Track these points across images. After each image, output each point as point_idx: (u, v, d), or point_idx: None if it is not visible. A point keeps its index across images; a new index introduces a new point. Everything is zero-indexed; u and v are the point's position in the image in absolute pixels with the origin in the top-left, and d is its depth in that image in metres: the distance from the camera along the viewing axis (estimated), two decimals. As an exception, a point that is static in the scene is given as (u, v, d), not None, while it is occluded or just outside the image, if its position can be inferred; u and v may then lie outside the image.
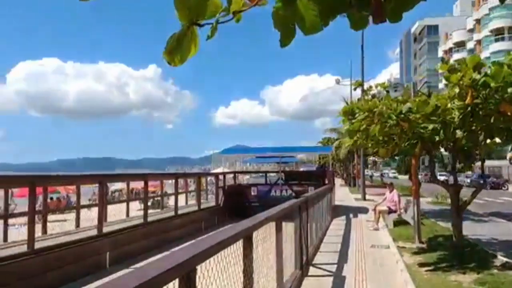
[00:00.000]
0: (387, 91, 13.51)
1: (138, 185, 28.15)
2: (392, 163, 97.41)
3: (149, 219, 10.97)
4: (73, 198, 32.26)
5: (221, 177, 17.01)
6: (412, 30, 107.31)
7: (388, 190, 14.42)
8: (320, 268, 7.98)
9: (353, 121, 7.93)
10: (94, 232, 8.82)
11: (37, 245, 7.17)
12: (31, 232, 6.98)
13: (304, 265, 7.37)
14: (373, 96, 14.72)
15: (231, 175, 18.99)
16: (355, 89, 14.40)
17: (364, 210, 18.49)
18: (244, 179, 36.18)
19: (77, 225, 11.06)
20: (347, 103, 33.66)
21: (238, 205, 17.41)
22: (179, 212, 12.80)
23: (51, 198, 27.53)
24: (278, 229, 5.48)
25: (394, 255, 9.18)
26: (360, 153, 31.78)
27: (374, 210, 13.93)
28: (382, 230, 12.85)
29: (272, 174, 22.28)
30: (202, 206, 14.54)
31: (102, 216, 8.90)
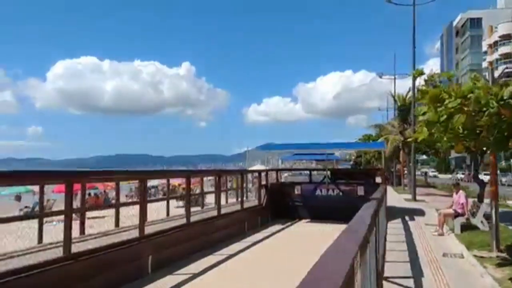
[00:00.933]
0: (450, 80, 12.21)
1: (174, 181, 27.60)
2: (431, 162, 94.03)
3: (192, 219, 10.10)
4: (111, 194, 32.22)
5: (263, 175, 16.02)
6: (454, 23, 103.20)
7: (454, 191, 13.03)
8: (394, 283, 6.84)
9: (440, 109, 6.73)
10: (135, 233, 7.99)
11: (74, 249, 6.37)
12: (67, 236, 6.17)
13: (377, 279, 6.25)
14: (435, 86, 13.37)
15: (273, 173, 17.98)
16: (415, 78, 13.06)
17: (420, 212, 17.04)
18: (282, 177, 35.20)
19: (117, 224, 10.32)
20: (394, 98, 32.07)
21: (281, 204, 16.39)
22: (222, 211, 11.90)
23: (89, 194, 27.32)
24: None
25: (475, 266, 7.93)
26: (409, 150, 30.20)
27: (440, 213, 12.55)
28: (448, 236, 11.53)
29: (314, 172, 21.16)
30: (244, 206, 13.58)
31: (143, 217, 8.05)
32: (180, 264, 8.46)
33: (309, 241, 12.38)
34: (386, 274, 7.27)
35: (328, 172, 17.32)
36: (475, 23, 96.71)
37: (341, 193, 16.14)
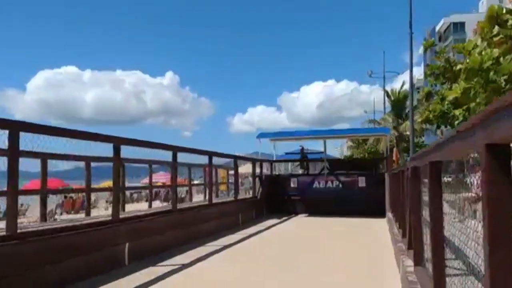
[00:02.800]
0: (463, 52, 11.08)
1: (158, 180, 25.89)
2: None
3: (179, 207, 8.64)
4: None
5: (257, 164, 14.59)
6: (437, 28, 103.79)
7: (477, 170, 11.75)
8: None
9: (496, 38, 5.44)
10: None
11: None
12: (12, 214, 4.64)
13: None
14: (447, 60, 12.18)
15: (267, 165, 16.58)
16: (425, 50, 12.00)
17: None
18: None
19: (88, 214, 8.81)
20: (386, 93, 30.99)
21: (276, 198, 14.98)
22: (214, 201, 10.46)
23: (65, 197, 25.54)
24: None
25: None
26: (404, 147, 29.14)
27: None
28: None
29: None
30: (239, 197, 12.15)
31: (117, 197, 6.56)
32: (164, 255, 6.99)
33: (306, 236, 11.02)
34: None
35: (327, 163, 15.99)
36: (458, 27, 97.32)
37: (340, 185, 14.81)
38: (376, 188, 13.78)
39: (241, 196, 14.65)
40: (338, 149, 53.75)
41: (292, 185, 15.35)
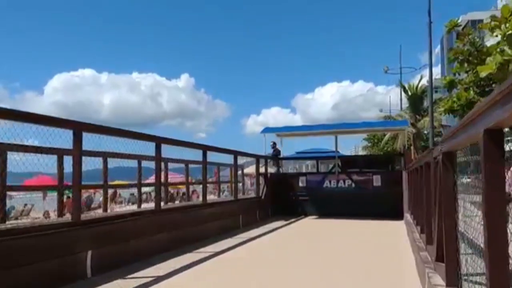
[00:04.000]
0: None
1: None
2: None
3: (166, 207, 7.54)
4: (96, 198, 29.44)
5: (262, 162, 13.43)
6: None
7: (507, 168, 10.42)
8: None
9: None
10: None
11: None
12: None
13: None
14: (473, 43, 10.87)
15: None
16: (448, 31, 10.79)
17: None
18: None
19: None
20: (404, 88, 29.54)
21: (283, 198, 13.81)
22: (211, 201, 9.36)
23: (68, 197, 24.61)
24: None
25: None
26: (422, 145, 27.64)
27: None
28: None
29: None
30: (239, 196, 10.99)
31: (77, 195, 5.46)
32: (139, 265, 5.87)
33: (316, 236, 9.90)
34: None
35: (338, 161, 14.74)
36: (476, 25, 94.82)
37: (353, 184, 13.58)
38: (393, 187, 12.55)
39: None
40: (352, 150, 52.05)
41: (300, 184, 14.16)
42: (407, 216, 10.50)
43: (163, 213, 7.10)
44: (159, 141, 7.25)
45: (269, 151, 14.42)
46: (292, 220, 12.67)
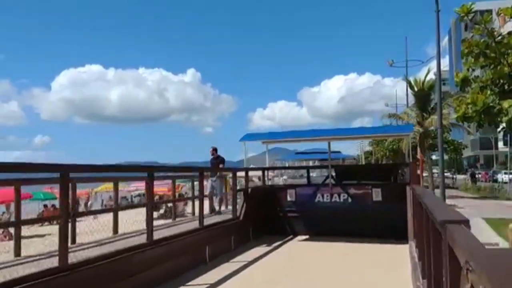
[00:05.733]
0: None
1: (159, 188, 22.88)
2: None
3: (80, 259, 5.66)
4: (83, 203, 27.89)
5: (239, 175, 11.51)
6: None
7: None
8: None
9: None
10: None
11: None
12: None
13: None
14: (491, 33, 8.91)
15: (257, 174, 13.44)
16: (461, 19, 8.92)
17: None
18: (281, 180, 30.50)
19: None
20: (409, 83, 27.39)
21: (268, 216, 11.91)
22: (159, 235, 7.47)
23: (45, 206, 23.06)
24: None
25: None
26: (429, 144, 25.59)
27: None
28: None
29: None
30: (207, 222, 9.05)
31: None
32: None
33: (307, 271, 8.13)
34: None
35: (332, 170, 12.77)
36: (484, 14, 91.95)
37: (349, 199, 11.65)
38: (396, 202, 10.64)
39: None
40: (358, 147, 49.84)
41: (289, 198, 12.23)
42: (412, 245, 8.60)
43: (71, 274, 5.20)
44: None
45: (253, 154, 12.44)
46: (278, 243, 10.78)
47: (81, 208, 28.26)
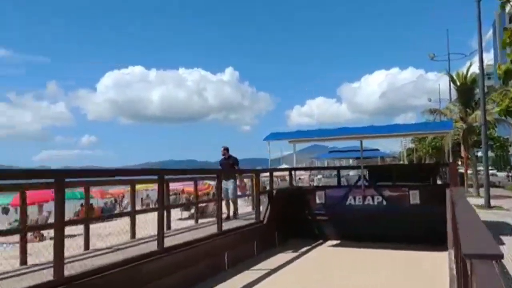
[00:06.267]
0: None
1: (176, 186, 22.66)
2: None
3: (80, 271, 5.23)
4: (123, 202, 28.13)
5: (263, 176, 10.89)
6: (507, 9, 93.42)
7: None
8: None
9: None
10: None
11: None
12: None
13: None
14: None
15: (284, 174, 12.77)
16: (502, 6, 8.00)
17: (508, 229, 11.18)
18: (315, 180, 29.61)
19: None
20: (451, 77, 25.92)
21: (295, 219, 11.26)
22: (172, 241, 6.98)
23: (81, 205, 23.25)
24: None
25: None
26: (473, 141, 24.05)
27: None
28: None
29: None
30: (226, 227, 8.51)
31: None
32: None
33: (335, 282, 7.46)
34: None
35: (365, 171, 11.94)
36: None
37: (384, 202, 10.84)
38: (435, 205, 9.80)
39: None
40: (400, 144, 47.91)
41: (318, 200, 11.51)
42: (451, 253, 7.75)
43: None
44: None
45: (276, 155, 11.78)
46: (305, 249, 10.12)
47: (118, 207, 28.64)
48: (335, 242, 10.99)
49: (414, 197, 10.55)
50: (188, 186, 20.53)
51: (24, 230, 6.27)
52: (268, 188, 12.04)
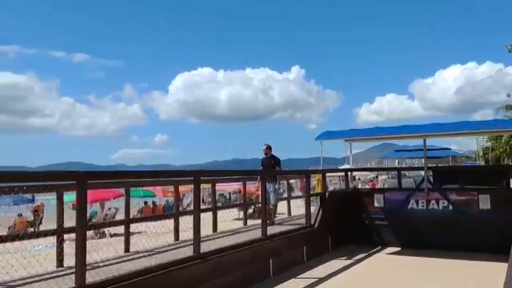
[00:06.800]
0: None
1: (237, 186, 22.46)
2: None
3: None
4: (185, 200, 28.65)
5: (314, 177, 10.30)
6: None
7: None
8: None
9: None
10: None
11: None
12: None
13: None
14: None
15: (339, 174, 12.06)
16: None
17: None
18: (380, 180, 28.29)
19: None
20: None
21: (350, 222, 10.59)
22: (210, 246, 6.67)
23: (145, 203, 23.85)
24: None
25: None
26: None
27: None
28: None
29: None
30: (271, 231, 8.08)
31: None
32: None
33: None
34: None
35: (430, 172, 10.95)
36: None
37: (450, 206, 9.86)
38: (509, 211, 8.79)
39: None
40: (476, 143, 44.57)
41: (376, 204, 10.74)
42: None
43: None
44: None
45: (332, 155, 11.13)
46: (360, 256, 9.42)
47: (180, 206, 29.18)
48: (394, 249, 10.19)
49: (484, 201, 9.51)
50: (251, 186, 20.30)
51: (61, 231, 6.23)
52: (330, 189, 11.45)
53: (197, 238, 6.09)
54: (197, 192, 6.13)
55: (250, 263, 7.02)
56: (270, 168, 9.67)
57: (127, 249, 7.15)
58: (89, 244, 5.02)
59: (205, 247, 6.36)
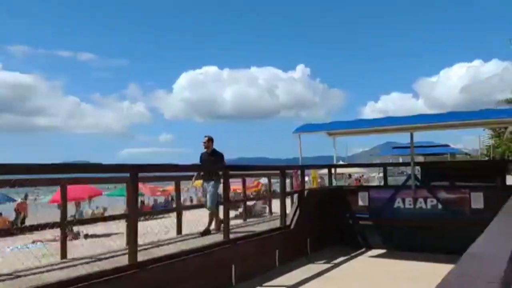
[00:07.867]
0: None
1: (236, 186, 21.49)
2: None
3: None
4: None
5: (291, 173, 9.49)
6: None
7: None
8: None
9: None
10: None
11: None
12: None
13: None
14: None
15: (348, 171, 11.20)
16: None
17: None
18: (376, 178, 27.40)
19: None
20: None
21: (333, 222, 9.80)
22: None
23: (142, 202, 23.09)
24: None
25: None
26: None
27: None
28: None
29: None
30: (237, 234, 7.28)
31: None
32: None
33: None
34: None
35: (417, 168, 10.11)
36: None
37: (439, 205, 9.05)
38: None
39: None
40: (480, 138, 43.22)
41: (360, 203, 9.94)
42: None
43: None
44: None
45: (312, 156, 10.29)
46: (341, 259, 8.62)
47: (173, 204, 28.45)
48: (379, 251, 9.40)
49: (477, 200, 8.71)
50: (235, 184, 19.47)
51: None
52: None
53: (133, 246, 5.25)
54: (131, 191, 5.32)
55: (205, 271, 6.21)
56: (210, 165, 7.98)
57: (63, 255, 6.33)
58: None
59: (152, 254, 5.57)
